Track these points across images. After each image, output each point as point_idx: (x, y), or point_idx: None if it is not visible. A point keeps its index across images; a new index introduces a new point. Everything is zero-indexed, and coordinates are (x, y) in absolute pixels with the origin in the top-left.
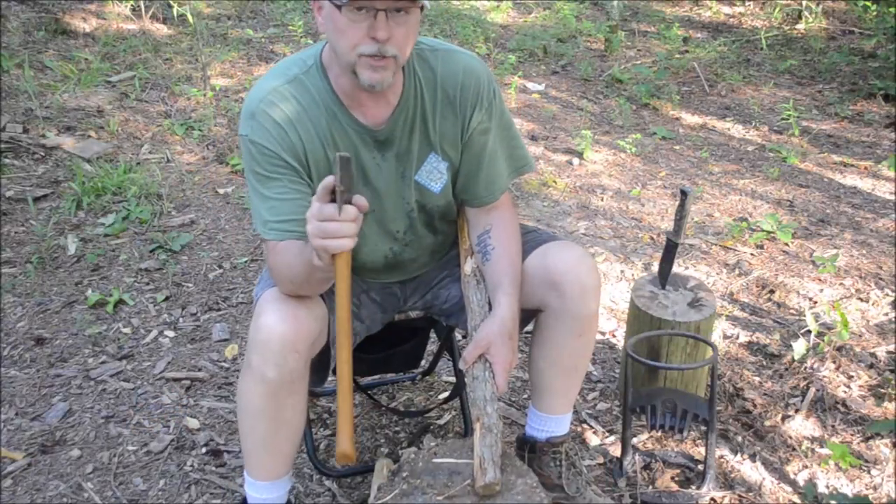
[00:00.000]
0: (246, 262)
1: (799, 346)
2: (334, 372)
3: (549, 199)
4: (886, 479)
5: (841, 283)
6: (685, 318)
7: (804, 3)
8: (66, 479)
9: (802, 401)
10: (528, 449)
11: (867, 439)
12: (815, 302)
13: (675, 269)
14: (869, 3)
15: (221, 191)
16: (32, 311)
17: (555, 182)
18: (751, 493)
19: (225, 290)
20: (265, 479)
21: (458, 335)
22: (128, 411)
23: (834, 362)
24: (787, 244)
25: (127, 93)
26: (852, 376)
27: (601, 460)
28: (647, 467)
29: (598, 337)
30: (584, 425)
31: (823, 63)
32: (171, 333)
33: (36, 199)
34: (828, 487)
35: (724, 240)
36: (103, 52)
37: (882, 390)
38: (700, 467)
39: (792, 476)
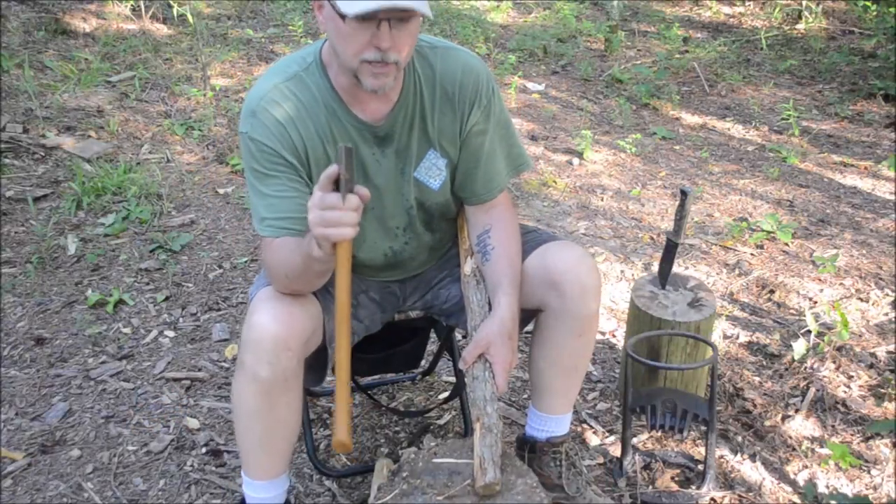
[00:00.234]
0: (246, 262)
1: (799, 346)
2: (333, 371)
3: (549, 199)
4: (886, 479)
5: (841, 283)
6: (685, 318)
7: (804, 3)
8: (66, 479)
9: (802, 401)
10: (528, 449)
11: (867, 439)
12: (815, 302)
13: (675, 269)
14: (869, 3)
15: (221, 191)
16: (32, 311)
17: (555, 182)
18: (751, 493)
19: (225, 290)
20: (262, 479)
21: (458, 335)
22: (128, 411)
23: (834, 362)
24: (787, 244)
25: (127, 93)
26: (852, 376)
27: (601, 460)
28: (647, 467)
29: (598, 337)
30: (584, 425)
31: (823, 63)
32: (171, 333)
33: (36, 199)
34: (828, 487)
35: (724, 240)
36: (103, 52)
37: (882, 390)
38: (700, 467)
39: (792, 476)
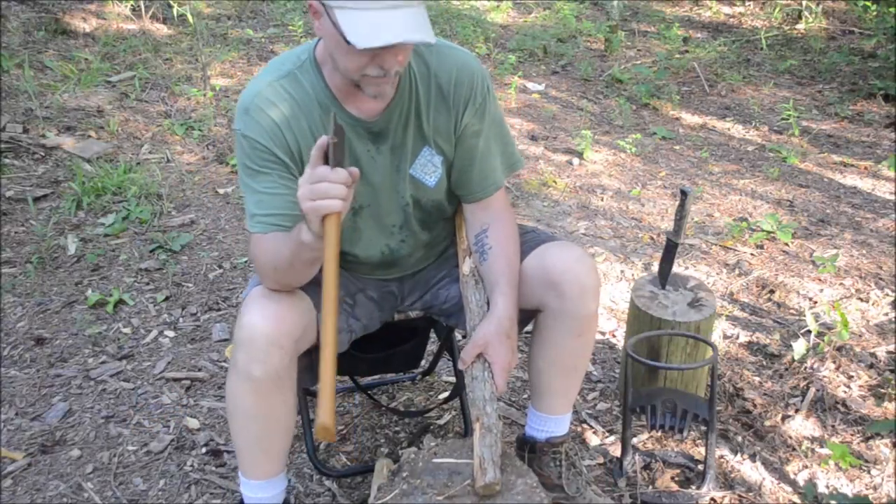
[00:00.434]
0: (246, 262)
1: (799, 346)
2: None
3: (549, 199)
4: (886, 479)
5: (841, 283)
6: (685, 318)
7: (804, 3)
8: (66, 479)
9: (802, 401)
10: (528, 449)
11: (867, 439)
12: (815, 302)
13: (675, 269)
14: (869, 3)
15: (221, 191)
16: (32, 311)
17: (555, 182)
18: (751, 493)
19: (225, 290)
20: (259, 478)
21: (458, 335)
22: (128, 411)
23: (834, 362)
24: (787, 244)
25: (127, 93)
26: (852, 376)
27: (601, 460)
28: (647, 467)
29: (598, 337)
30: (584, 425)
31: (823, 63)
32: (171, 333)
33: (36, 199)
34: (828, 487)
35: (724, 240)
36: (103, 52)
37: (882, 390)
38: (700, 467)
39: (792, 476)
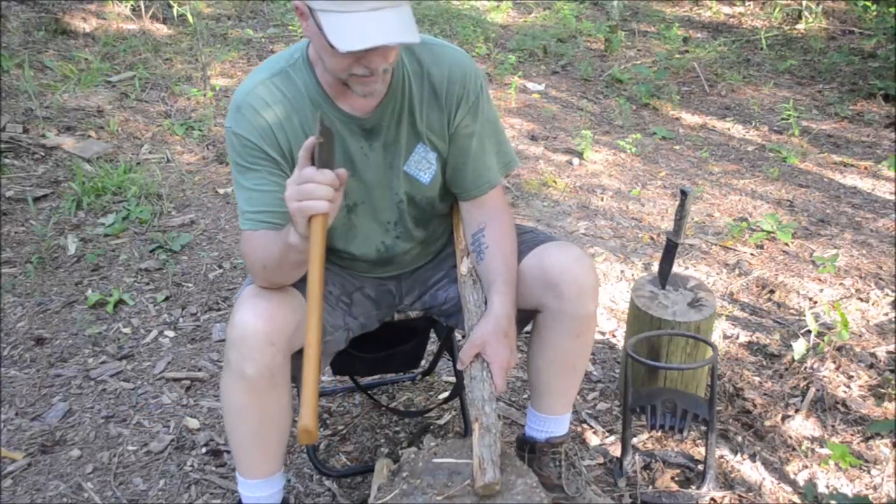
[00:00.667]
0: None
1: (799, 346)
2: (335, 372)
3: (549, 199)
4: (886, 479)
5: (841, 283)
6: (685, 318)
7: (804, 3)
8: (66, 479)
9: (802, 401)
10: (528, 449)
11: (867, 439)
12: (815, 302)
13: (675, 269)
14: (869, 3)
15: (221, 191)
16: (32, 311)
17: (555, 182)
18: (751, 493)
19: (225, 290)
20: (257, 478)
21: (458, 335)
22: (128, 411)
23: (834, 362)
24: (787, 244)
25: (127, 93)
26: (852, 376)
27: (601, 460)
28: (647, 467)
29: (598, 337)
30: (584, 425)
31: (823, 63)
32: (171, 333)
33: (36, 199)
34: (828, 487)
35: (724, 240)
36: (103, 52)
37: (882, 390)
38: (700, 467)
39: (792, 476)
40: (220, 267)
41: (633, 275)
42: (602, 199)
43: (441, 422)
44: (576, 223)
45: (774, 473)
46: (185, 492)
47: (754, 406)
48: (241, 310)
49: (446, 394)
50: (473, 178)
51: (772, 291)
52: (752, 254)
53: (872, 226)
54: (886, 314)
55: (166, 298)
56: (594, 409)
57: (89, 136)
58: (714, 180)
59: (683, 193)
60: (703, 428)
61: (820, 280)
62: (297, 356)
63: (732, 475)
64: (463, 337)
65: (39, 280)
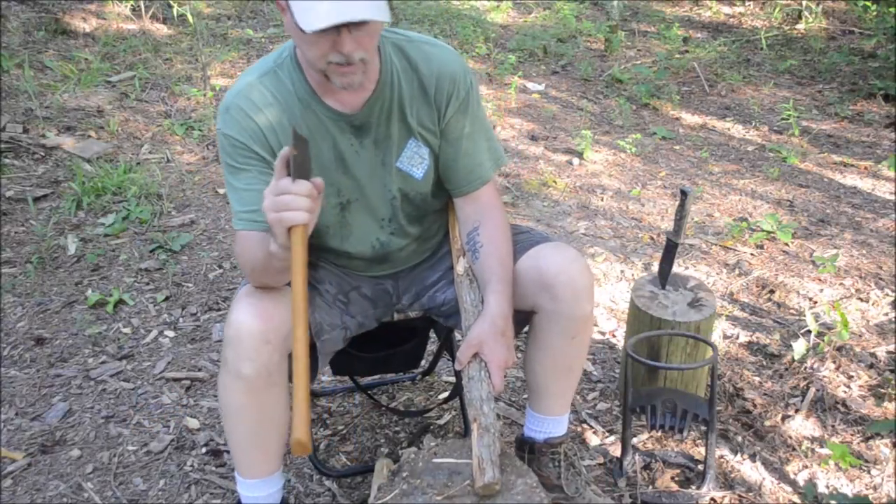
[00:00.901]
0: None
1: (799, 346)
2: (335, 372)
3: (549, 199)
4: (886, 479)
5: (841, 283)
6: (685, 318)
7: (804, 3)
8: (66, 479)
9: (802, 401)
10: (528, 450)
11: (867, 439)
12: (815, 302)
13: (675, 269)
14: (869, 3)
15: (221, 191)
16: (32, 311)
17: (555, 182)
18: (751, 493)
19: (225, 290)
20: (255, 477)
21: (457, 335)
22: (128, 411)
23: (834, 362)
24: (787, 244)
25: (127, 93)
26: (852, 376)
27: (601, 460)
28: (647, 467)
29: (598, 337)
30: (584, 425)
31: (823, 63)
32: (171, 333)
33: (36, 199)
34: (828, 487)
35: (724, 240)
36: (103, 52)
37: (882, 390)
38: (700, 467)
39: (792, 476)
40: (220, 267)
41: (633, 275)
42: (602, 199)
43: (441, 422)
44: (576, 223)
45: (774, 473)
46: (185, 492)
47: (754, 406)
48: (238, 309)
49: (446, 394)
50: (465, 174)
51: (772, 291)
52: (752, 254)
53: (872, 226)
54: (886, 314)
55: (166, 298)
56: (594, 409)
57: (89, 136)
58: (714, 180)
59: (683, 193)
60: (703, 428)
61: (820, 280)
62: None
63: (732, 475)
64: (462, 337)
65: (39, 280)
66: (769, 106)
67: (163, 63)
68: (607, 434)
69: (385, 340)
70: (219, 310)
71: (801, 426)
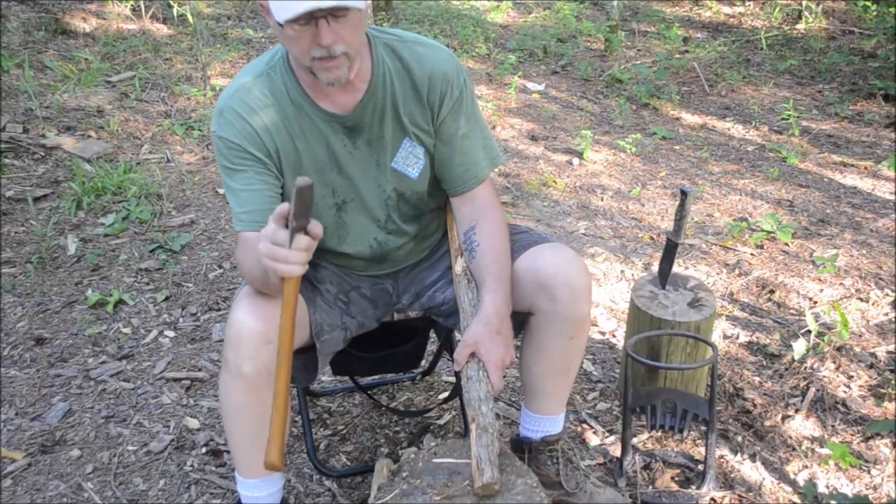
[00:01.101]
0: None
1: (799, 346)
2: (335, 372)
3: (549, 199)
4: (886, 479)
5: (841, 283)
6: (685, 318)
7: (804, 3)
8: (66, 479)
9: (802, 401)
10: (525, 450)
11: (867, 439)
12: (815, 302)
13: (675, 269)
14: (869, 3)
15: (221, 191)
16: (32, 311)
17: (555, 182)
18: (751, 493)
19: (225, 290)
20: (255, 477)
21: (457, 335)
22: (128, 411)
23: (834, 362)
24: (787, 244)
25: (127, 93)
26: (852, 376)
27: (601, 460)
28: (647, 467)
29: (598, 337)
30: (584, 425)
31: (823, 63)
32: (171, 333)
33: (36, 199)
34: (828, 487)
35: (724, 240)
36: (103, 52)
37: (882, 390)
38: (700, 467)
39: (792, 476)
40: (220, 267)
41: (633, 275)
42: (602, 199)
43: (441, 422)
44: (576, 223)
45: (774, 473)
46: (185, 492)
47: (754, 406)
48: (238, 309)
49: (446, 394)
50: (461, 174)
51: (772, 291)
52: (752, 254)
53: (872, 226)
54: (886, 314)
55: (166, 298)
56: (594, 409)
57: (89, 136)
58: (714, 180)
59: (683, 193)
60: (703, 428)
61: (820, 280)
62: (295, 355)
63: (732, 475)
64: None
65: (39, 280)
66: (769, 106)
67: (163, 63)
68: (607, 434)
69: (385, 340)
70: (219, 310)
71: (801, 426)
